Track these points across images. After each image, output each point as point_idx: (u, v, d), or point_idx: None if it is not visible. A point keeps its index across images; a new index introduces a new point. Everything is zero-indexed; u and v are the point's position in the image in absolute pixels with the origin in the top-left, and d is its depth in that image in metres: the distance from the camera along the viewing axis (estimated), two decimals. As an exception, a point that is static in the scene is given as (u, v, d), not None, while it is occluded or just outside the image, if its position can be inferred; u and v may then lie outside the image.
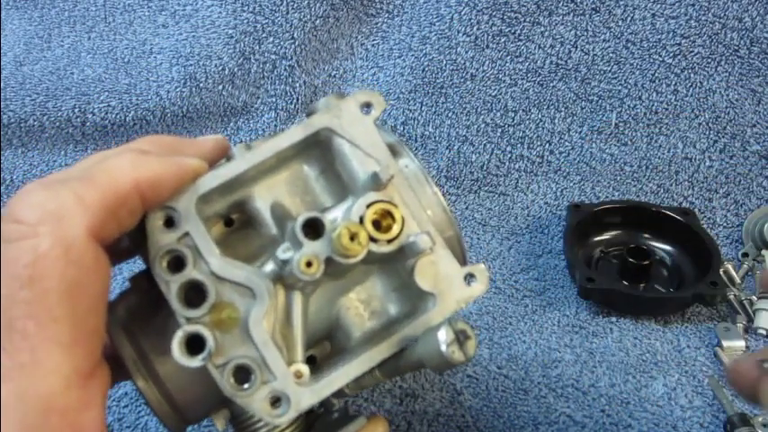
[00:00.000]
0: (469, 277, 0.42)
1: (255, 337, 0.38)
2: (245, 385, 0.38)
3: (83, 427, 0.32)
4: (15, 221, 0.32)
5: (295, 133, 0.42)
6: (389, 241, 0.40)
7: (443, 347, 0.36)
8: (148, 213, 0.38)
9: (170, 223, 0.39)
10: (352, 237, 0.38)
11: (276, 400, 0.38)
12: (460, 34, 0.96)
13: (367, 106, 0.42)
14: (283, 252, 0.39)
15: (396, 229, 0.40)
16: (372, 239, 0.40)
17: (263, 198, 0.43)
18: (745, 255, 0.86)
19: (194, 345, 0.37)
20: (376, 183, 0.40)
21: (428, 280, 0.41)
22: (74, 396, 0.32)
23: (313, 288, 0.42)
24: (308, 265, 0.38)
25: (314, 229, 0.39)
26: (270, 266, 0.41)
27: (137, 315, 0.42)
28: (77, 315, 0.32)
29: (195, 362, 0.36)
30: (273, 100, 1.00)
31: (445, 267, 0.42)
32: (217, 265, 0.39)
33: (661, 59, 0.93)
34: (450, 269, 0.42)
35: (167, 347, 0.37)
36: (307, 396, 0.38)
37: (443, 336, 0.36)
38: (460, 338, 0.36)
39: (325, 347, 0.44)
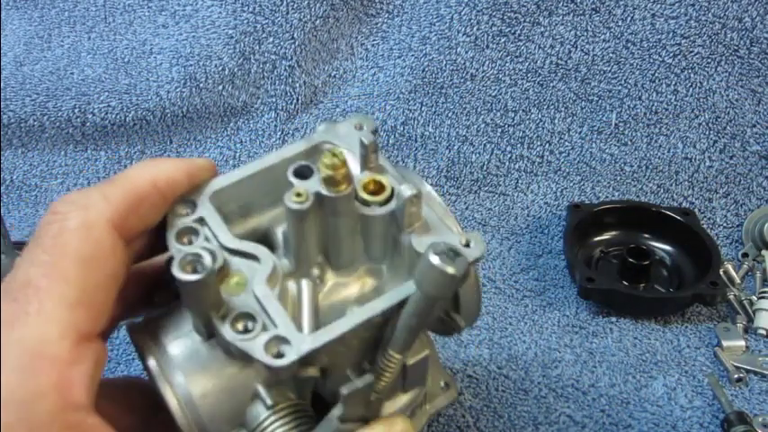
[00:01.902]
0: (466, 247, 0.42)
1: (257, 291, 0.40)
2: (248, 335, 0.39)
3: (70, 379, 0.35)
4: (52, 213, 0.39)
5: (298, 145, 0.46)
6: (381, 204, 0.43)
7: (435, 260, 0.36)
8: (170, 213, 0.43)
9: (188, 213, 0.43)
10: (334, 155, 0.41)
11: (277, 347, 0.38)
12: (460, 34, 0.96)
13: (360, 127, 0.46)
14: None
15: (387, 191, 0.43)
16: (366, 204, 0.43)
17: (279, 225, 0.45)
18: (745, 255, 0.86)
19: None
20: (365, 148, 0.43)
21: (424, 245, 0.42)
22: (66, 347, 0.35)
23: (320, 275, 0.43)
24: (298, 195, 0.40)
25: (304, 175, 0.42)
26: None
27: (157, 319, 0.44)
28: (87, 283, 0.37)
29: (195, 276, 0.37)
30: (273, 100, 1.00)
31: (442, 238, 0.42)
32: (226, 238, 0.42)
33: (661, 59, 0.93)
34: (447, 238, 0.42)
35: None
36: (308, 341, 0.38)
37: (432, 253, 0.37)
38: (450, 255, 0.37)
39: None
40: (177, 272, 0.38)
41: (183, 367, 0.42)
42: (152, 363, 0.42)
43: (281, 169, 0.44)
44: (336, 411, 0.40)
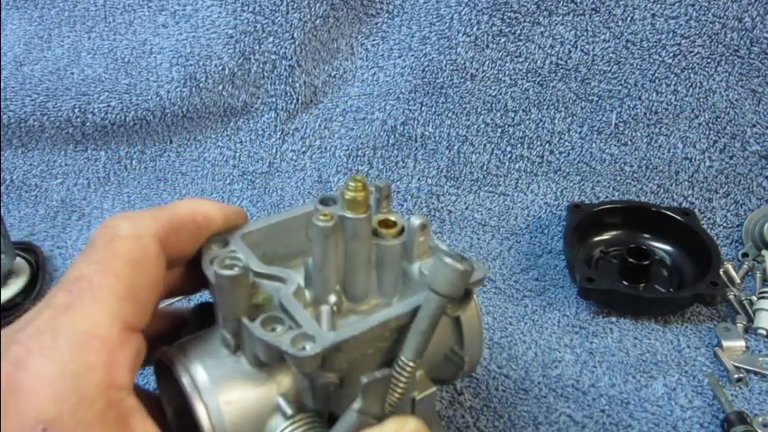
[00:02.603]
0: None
1: (284, 299, 0.43)
2: (276, 332, 0.42)
3: (116, 359, 0.39)
4: (104, 226, 0.43)
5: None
6: (395, 237, 0.48)
7: (447, 260, 0.41)
8: (204, 246, 0.48)
9: (220, 248, 0.48)
10: (356, 180, 0.45)
11: (302, 342, 0.41)
12: (460, 34, 0.96)
13: (376, 189, 0.50)
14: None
15: (399, 226, 0.48)
16: (380, 236, 0.48)
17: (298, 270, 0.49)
18: (745, 255, 0.86)
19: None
20: (379, 192, 0.49)
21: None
22: (115, 332, 0.39)
23: (337, 302, 0.46)
24: (325, 215, 0.45)
25: (328, 204, 0.47)
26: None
27: (185, 341, 0.48)
28: (134, 282, 0.41)
29: (232, 272, 0.42)
30: (273, 100, 1.00)
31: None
32: (254, 264, 0.46)
33: (661, 59, 0.93)
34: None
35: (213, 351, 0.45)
36: (330, 336, 0.41)
37: (443, 255, 0.41)
38: (458, 258, 0.41)
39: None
40: (216, 269, 0.42)
41: (211, 378, 0.44)
42: (184, 377, 0.44)
43: (303, 221, 0.49)
44: (356, 404, 0.43)
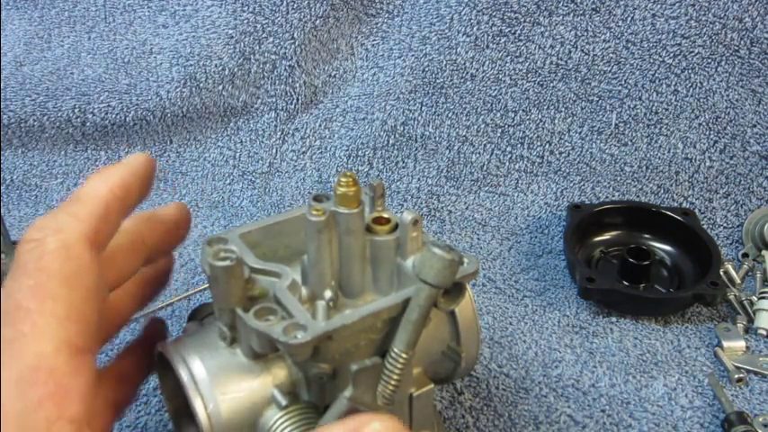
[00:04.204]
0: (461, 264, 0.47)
1: (278, 292, 0.44)
2: (269, 322, 0.43)
3: (68, 389, 0.37)
4: (27, 242, 0.40)
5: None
6: (388, 233, 0.48)
7: (435, 249, 0.42)
8: (205, 244, 0.47)
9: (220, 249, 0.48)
10: (347, 175, 0.46)
11: (294, 331, 0.42)
12: (460, 34, 0.96)
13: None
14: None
15: (392, 223, 0.49)
16: (373, 232, 0.48)
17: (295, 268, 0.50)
18: (746, 255, 0.86)
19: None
20: (373, 191, 0.49)
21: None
22: (62, 360, 0.37)
23: (333, 298, 0.47)
24: (317, 210, 0.45)
25: (321, 201, 0.47)
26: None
27: (183, 337, 0.49)
28: (73, 298, 0.39)
29: (225, 263, 0.43)
30: (273, 100, 1.00)
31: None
32: (251, 260, 0.47)
33: (661, 59, 0.93)
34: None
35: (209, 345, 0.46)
36: (322, 326, 0.42)
37: (432, 246, 0.42)
38: (447, 249, 0.42)
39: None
40: (211, 260, 0.43)
41: (208, 370, 0.45)
42: (182, 369, 0.45)
43: (301, 222, 0.48)
44: (346, 392, 0.43)
